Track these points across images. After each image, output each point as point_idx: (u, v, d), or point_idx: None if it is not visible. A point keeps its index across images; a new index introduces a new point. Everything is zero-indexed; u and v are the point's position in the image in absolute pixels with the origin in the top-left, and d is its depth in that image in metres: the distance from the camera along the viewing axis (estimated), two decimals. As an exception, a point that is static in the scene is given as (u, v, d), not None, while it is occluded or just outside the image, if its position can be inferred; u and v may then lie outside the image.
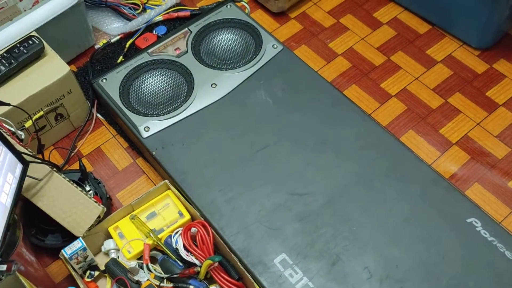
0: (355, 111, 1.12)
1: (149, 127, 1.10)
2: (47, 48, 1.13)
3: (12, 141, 0.96)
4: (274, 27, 1.37)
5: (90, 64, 1.30)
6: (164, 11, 1.38)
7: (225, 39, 1.23)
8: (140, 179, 1.15)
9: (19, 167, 0.82)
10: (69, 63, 1.31)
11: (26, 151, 0.95)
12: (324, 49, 1.32)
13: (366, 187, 1.00)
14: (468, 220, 0.95)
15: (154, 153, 1.07)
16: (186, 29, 1.24)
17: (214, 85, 1.15)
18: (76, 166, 1.15)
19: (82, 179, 1.09)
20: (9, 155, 0.82)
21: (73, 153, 1.18)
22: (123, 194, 1.13)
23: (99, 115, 1.24)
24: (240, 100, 1.13)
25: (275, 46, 1.20)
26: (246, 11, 1.30)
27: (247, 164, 1.05)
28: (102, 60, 1.31)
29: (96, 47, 1.35)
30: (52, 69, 1.11)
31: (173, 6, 1.40)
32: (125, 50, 1.31)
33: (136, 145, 1.18)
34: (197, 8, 1.36)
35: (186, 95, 1.14)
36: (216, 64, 1.19)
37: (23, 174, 0.82)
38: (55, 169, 0.99)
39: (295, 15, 1.39)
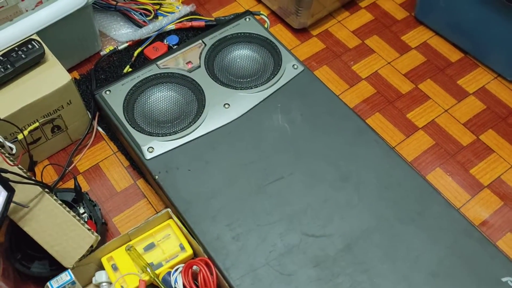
0: (379, 143, 1.02)
1: (153, 147, 1.00)
2: (48, 53, 1.04)
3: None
4: (294, 44, 1.28)
5: (94, 72, 1.20)
6: (177, 19, 1.29)
7: (242, 55, 1.13)
8: (140, 202, 1.05)
9: (2, 194, 0.72)
10: (71, 69, 1.22)
11: (15, 170, 0.86)
12: (347, 72, 1.22)
13: (389, 232, 0.90)
14: (504, 279, 0.85)
15: (157, 177, 0.98)
16: (200, 41, 1.15)
17: (227, 105, 1.05)
18: (71, 183, 1.06)
19: (76, 200, 0.99)
20: (-6, 177, 0.72)
21: (67, 170, 1.08)
22: (120, 218, 1.03)
23: (100, 129, 1.15)
24: (254, 124, 1.04)
25: (295, 67, 1.10)
26: (266, 26, 1.21)
27: (259, 197, 0.95)
28: (107, 68, 1.22)
29: (102, 53, 1.26)
30: (51, 77, 1.02)
31: (187, 15, 1.30)
32: (133, 59, 1.22)
33: (137, 165, 1.09)
34: (213, 19, 1.27)
35: (196, 115, 1.05)
36: (230, 82, 1.09)
37: (8, 201, 0.72)
38: (46, 189, 0.90)
39: (317, 32, 1.30)
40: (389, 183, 0.96)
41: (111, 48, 1.25)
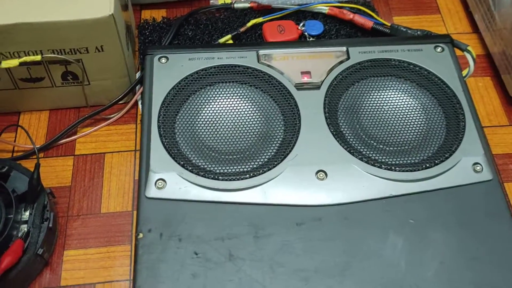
0: None
1: (166, 182, 0.56)
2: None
3: None
4: (497, 120, 0.74)
5: (180, 23, 0.78)
6: (337, 2, 0.82)
7: (401, 104, 0.64)
8: (118, 248, 0.63)
9: None
10: (151, 6, 0.82)
11: None
12: None
13: None
14: None
15: (140, 236, 0.54)
16: (345, 48, 0.67)
17: (321, 175, 0.57)
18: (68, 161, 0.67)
19: (27, 195, 0.60)
20: None
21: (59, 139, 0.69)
22: (75, 257, 0.62)
23: (140, 105, 0.74)
24: (356, 226, 0.55)
25: (478, 168, 0.58)
26: (466, 72, 0.69)
27: None
28: (203, 26, 0.79)
29: (211, 1, 0.84)
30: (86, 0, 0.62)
31: (357, 2, 0.82)
32: (243, 29, 0.78)
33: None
34: (388, 25, 0.77)
35: (270, 161, 0.58)
36: (357, 143, 0.60)
37: None
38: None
39: (546, 119, 0.75)
40: None
41: (227, 0, 0.83)
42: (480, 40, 0.81)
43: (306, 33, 0.78)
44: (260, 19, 0.78)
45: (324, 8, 0.80)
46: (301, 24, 0.78)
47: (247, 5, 0.80)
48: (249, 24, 0.77)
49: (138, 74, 0.74)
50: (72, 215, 0.65)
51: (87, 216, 0.65)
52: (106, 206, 0.65)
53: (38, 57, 0.63)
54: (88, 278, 0.60)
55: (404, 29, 0.75)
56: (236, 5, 0.81)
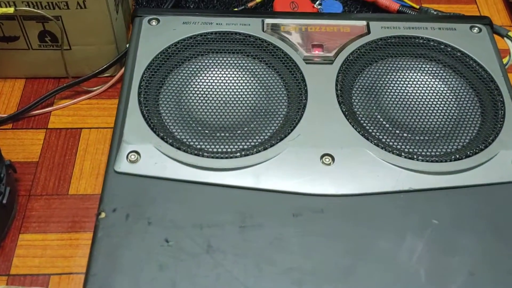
0: None
1: (140, 155, 0.47)
2: None
3: None
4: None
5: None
6: (361, -18, 0.73)
7: (430, 87, 0.54)
8: (83, 236, 0.53)
9: None
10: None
11: None
12: None
13: None
14: None
15: (102, 215, 0.45)
16: (365, 23, 0.57)
17: (328, 159, 0.47)
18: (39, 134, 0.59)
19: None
20: None
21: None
22: (31, 241, 0.52)
23: (128, 79, 0.65)
24: (367, 221, 0.44)
25: (519, 164, 0.48)
26: (506, 60, 0.59)
27: None
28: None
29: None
30: None
31: (382, -15, 0.73)
32: (250, 4, 0.69)
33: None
34: (417, 7, 0.68)
35: (270, 140, 0.49)
36: (373, 126, 0.50)
37: None
38: None
39: None
40: None
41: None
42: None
43: (322, 11, 0.69)
44: (271, -6, 0.69)
45: (344, -12, 0.71)
46: (317, 3, 0.69)
47: (259, -22, 0.72)
48: (259, -2, 0.69)
49: (129, 46, 0.66)
50: (34, 195, 0.55)
51: (52, 196, 0.55)
52: (75, 187, 0.56)
53: (10, 10, 0.55)
54: (43, 267, 0.51)
55: (435, 13, 0.65)
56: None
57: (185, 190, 0.46)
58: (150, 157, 0.47)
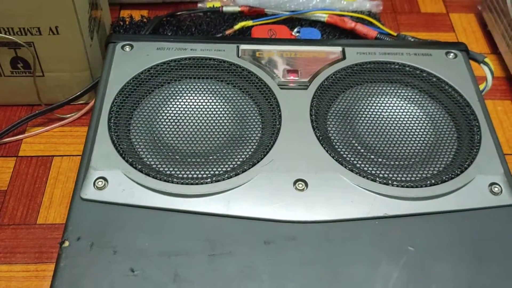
0: None
1: (107, 182, 0.46)
2: None
3: None
4: (518, 148, 0.63)
5: (161, 21, 0.70)
6: (339, 10, 0.73)
7: (406, 112, 0.53)
8: (50, 267, 0.51)
9: None
10: (135, 6, 0.74)
11: None
12: None
13: None
14: None
15: (66, 244, 0.43)
16: (341, 49, 0.57)
17: (301, 185, 0.46)
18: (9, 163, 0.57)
19: None
20: None
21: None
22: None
23: (103, 106, 0.64)
24: (340, 251, 0.43)
25: (496, 189, 0.47)
26: (483, 86, 0.58)
27: None
28: (181, 27, 0.71)
29: (199, 5, 0.75)
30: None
31: (361, 13, 0.73)
32: (228, 31, 0.68)
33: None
34: (395, 35, 0.68)
35: (242, 165, 0.47)
36: (348, 152, 0.49)
37: None
38: None
39: None
40: None
41: (217, 4, 0.74)
42: (500, 61, 0.71)
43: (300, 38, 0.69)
44: (249, 22, 0.69)
45: (323, 16, 0.71)
46: (296, 30, 0.69)
47: (237, 9, 0.72)
48: (237, 26, 0.68)
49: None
50: (1, 224, 0.54)
51: (19, 226, 0.54)
52: (44, 217, 0.54)
53: (-18, 36, 0.55)
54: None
55: (412, 38, 0.65)
56: (225, 9, 0.72)
57: (153, 217, 0.44)
58: (118, 183, 0.45)
